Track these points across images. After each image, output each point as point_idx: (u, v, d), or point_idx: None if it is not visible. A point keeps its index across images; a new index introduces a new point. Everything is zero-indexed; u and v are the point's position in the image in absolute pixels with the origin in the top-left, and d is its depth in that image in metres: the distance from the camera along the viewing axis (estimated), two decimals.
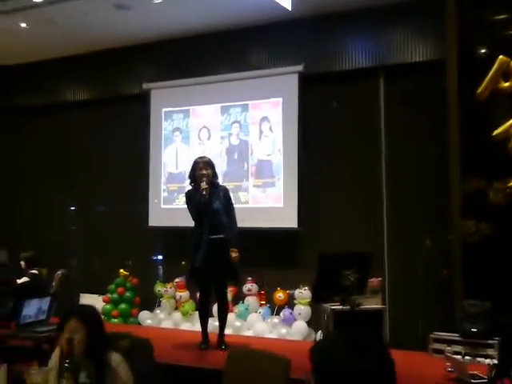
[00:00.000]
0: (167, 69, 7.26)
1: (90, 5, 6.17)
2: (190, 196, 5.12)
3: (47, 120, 8.09)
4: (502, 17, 4.93)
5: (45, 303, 4.54)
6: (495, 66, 4.65)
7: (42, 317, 4.52)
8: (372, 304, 4.06)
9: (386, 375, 1.59)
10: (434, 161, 5.90)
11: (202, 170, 4.98)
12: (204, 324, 5.25)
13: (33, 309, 4.41)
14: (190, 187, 5.29)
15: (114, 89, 7.60)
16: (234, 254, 4.97)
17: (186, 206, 6.94)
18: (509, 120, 4.63)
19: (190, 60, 7.05)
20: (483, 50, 4.78)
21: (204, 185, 4.89)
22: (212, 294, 5.28)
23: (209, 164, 5.08)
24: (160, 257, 7.49)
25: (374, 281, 4.21)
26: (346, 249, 5.70)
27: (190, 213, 5.10)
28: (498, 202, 4.82)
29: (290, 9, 5.64)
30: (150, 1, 6.08)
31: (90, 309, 3.11)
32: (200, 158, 5.22)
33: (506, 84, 4.64)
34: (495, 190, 4.78)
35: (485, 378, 3.90)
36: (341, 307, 4.00)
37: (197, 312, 6.85)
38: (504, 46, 4.78)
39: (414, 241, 6.03)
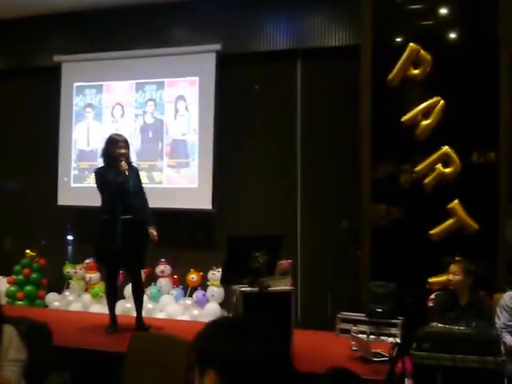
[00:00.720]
0: (81, 41, 6.96)
1: None
2: (102, 175, 4.84)
3: None
4: (415, 6, 5.04)
5: None
6: (405, 53, 4.76)
7: None
8: (281, 285, 4.07)
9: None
10: (349, 145, 5.98)
11: (121, 148, 4.75)
12: (112, 306, 5.07)
13: None
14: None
15: (24, 60, 7.20)
16: (155, 233, 4.80)
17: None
18: (417, 106, 4.75)
19: (106, 34, 6.78)
20: (397, 39, 4.87)
21: (125, 165, 4.67)
22: (119, 275, 5.13)
23: (127, 142, 4.88)
24: (69, 237, 7.23)
25: (283, 263, 4.23)
26: (260, 231, 5.74)
27: (102, 192, 4.85)
28: (407, 187, 4.98)
29: None
30: None
31: None
32: (117, 135, 4.98)
33: (416, 71, 4.76)
34: (405, 175, 4.91)
35: (387, 356, 4.03)
36: (249, 289, 3.99)
37: None
38: (416, 35, 4.90)
39: (326, 224, 6.12)
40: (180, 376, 2.86)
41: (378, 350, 4.18)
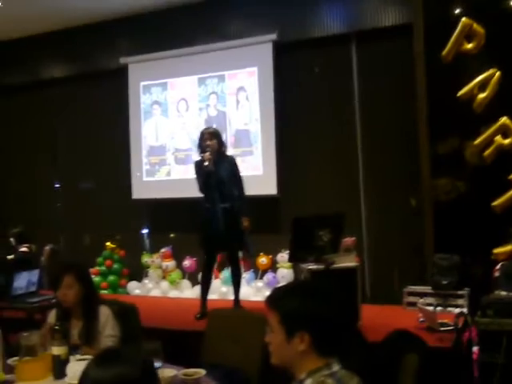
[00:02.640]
0: (143, 42, 7.32)
1: None
2: (197, 166, 5.21)
3: (26, 98, 8.14)
4: None
5: (34, 275, 4.72)
6: (458, 28, 4.80)
7: (33, 288, 4.71)
8: (346, 262, 4.26)
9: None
10: (407, 124, 6.05)
11: (206, 140, 5.07)
12: (205, 293, 5.29)
13: (23, 281, 4.59)
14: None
15: (92, 64, 7.65)
16: (246, 223, 5.08)
17: (168, 177, 7.19)
18: (473, 80, 4.79)
19: (166, 32, 7.11)
20: (449, 13, 4.91)
21: (207, 155, 4.98)
22: (215, 264, 5.41)
23: (214, 134, 5.15)
24: (145, 229, 7.66)
25: (347, 240, 4.41)
26: (324, 212, 5.92)
27: (198, 182, 5.18)
28: (473, 161, 5.03)
29: None
30: None
31: (82, 266, 3.38)
32: (206, 128, 5.35)
33: (470, 45, 4.79)
34: (464, 148, 4.97)
35: (453, 326, 4.15)
36: (316, 266, 4.21)
37: (184, 280, 7.13)
38: (468, 8, 4.92)
39: (389, 201, 6.22)
40: (257, 350, 3.07)
41: (445, 320, 4.32)
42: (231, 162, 5.20)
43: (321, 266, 4.17)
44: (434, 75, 5.00)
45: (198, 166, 5.21)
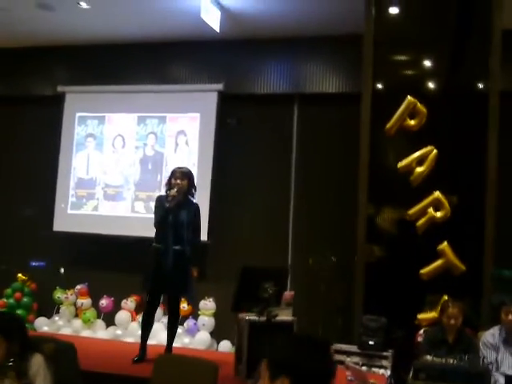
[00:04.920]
0: (85, 73, 7.23)
1: (11, 2, 6.06)
2: (157, 201, 5.07)
3: None
4: (410, 59, 5.49)
5: None
6: (403, 105, 5.15)
7: None
8: (285, 316, 4.33)
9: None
10: (340, 185, 6.34)
11: (177, 179, 4.94)
12: (144, 336, 5.06)
13: None
14: None
15: (27, 88, 7.42)
16: (195, 273, 4.96)
17: (94, 212, 6.99)
18: (412, 154, 5.14)
19: (110, 67, 7.07)
20: (395, 88, 5.28)
21: (173, 192, 4.88)
22: (158, 305, 5.21)
23: (185, 174, 5.02)
24: (61, 263, 7.33)
25: (287, 294, 4.49)
26: (252, 263, 5.98)
27: (155, 218, 5.03)
28: (386, 228, 5.35)
29: (218, 31, 5.88)
30: (76, 5, 6.09)
31: (10, 320, 3.12)
32: (178, 167, 5.17)
33: (412, 122, 5.15)
34: (398, 217, 5.26)
35: None
36: (257, 318, 4.23)
37: (98, 320, 6.87)
38: (410, 85, 5.32)
39: (317, 259, 6.40)
40: None
41: (372, 381, 4.45)
42: (195, 208, 5.09)
43: (261, 318, 4.20)
44: (377, 144, 5.30)
45: (159, 201, 5.07)
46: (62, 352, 3.30)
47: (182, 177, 4.99)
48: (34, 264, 7.29)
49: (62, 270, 7.18)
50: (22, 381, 2.52)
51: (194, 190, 5.14)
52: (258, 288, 4.02)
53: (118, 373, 4.35)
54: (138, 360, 4.83)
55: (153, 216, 5.10)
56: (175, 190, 4.89)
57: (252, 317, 4.32)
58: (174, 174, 5.05)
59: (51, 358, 3.06)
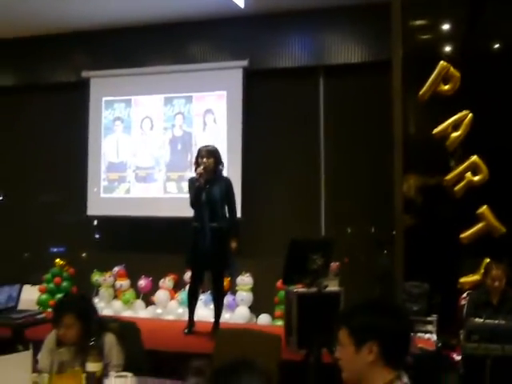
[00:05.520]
0: (109, 58, 7.21)
1: None
2: (190, 182, 5.25)
3: None
4: (439, 26, 5.45)
5: (14, 290, 4.50)
6: (436, 71, 5.14)
7: (12, 304, 4.48)
8: (333, 286, 4.39)
9: None
10: (371, 155, 6.35)
11: (203, 158, 5.09)
12: (191, 309, 5.35)
13: (3, 296, 4.36)
14: None
15: (51, 75, 7.44)
16: (234, 244, 5.11)
17: (127, 195, 7.07)
18: (447, 119, 5.13)
19: (134, 50, 7.06)
20: (427, 53, 5.26)
21: (199, 169, 4.99)
22: (202, 281, 5.40)
23: (211, 153, 5.16)
24: (97, 246, 7.45)
25: (333, 265, 4.55)
26: (286, 237, 6.04)
27: (190, 198, 5.19)
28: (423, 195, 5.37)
29: (242, 7, 5.84)
30: None
31: (83, 301, 3.21)
32: (204, 146, 5.32)
33: (446, 87, 5.14)
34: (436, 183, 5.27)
35: (429, 350, 4.37)
36: (305, 290, 4.30)
37: (138, 300, 6.99)
38: (445, 51, 5.29)
39: (351, 229, 6.46)
40: (273, 370, 3.09)
41: (420, 345, 4.52)
42: (226, 183, 5.25)
43: (309, 290, 4.27)
44: (410, 112, 5.30)
45: (191, 182, 5.26)
46: (126, 331, 3.39)
47: (208, 155, 5.12)
48: (53, 250, 7.42)
49: (84, 255, 7.29)
50: (102, 360, 2.60)
51: (221, 167, 5.25)
52: (307, 260, 4.06)
53: (176, 350, 4.44)
54: (188, 332, 5.03)
55: (185, 196, 5.22)
56: (201, 167, 4.99)
57: (299, 289, 4.39)
58: (199, 153, 5.21)
59: (118, 336, 3.16)
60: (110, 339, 3.00)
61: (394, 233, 5.59)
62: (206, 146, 5.30)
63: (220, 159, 5.22)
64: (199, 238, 5.03)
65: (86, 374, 2.56)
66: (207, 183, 5.03)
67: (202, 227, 5.03)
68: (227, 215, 5.19)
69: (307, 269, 4.11)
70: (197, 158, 5.19)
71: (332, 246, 4.39)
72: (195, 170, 5.18)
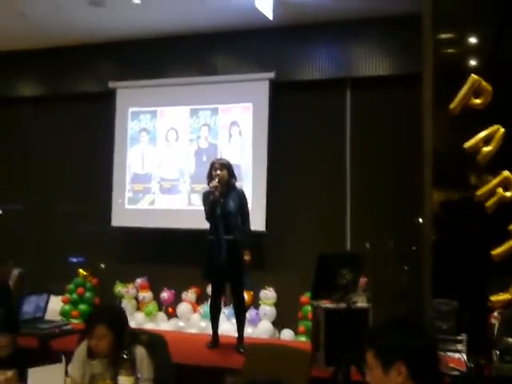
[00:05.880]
0: (135, 68, 7.25)
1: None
2: (204, 195, 5.26)
3: (4, 114, 7.83)
4: (470, 39, 5.37)
5: (42, 300, 4.49)
6: (467, 84, 5.04)
7: (39, 314, 4.47)
8: (362, 302, 4.31)
9: None
10: (398, 169, 6.27)
11: (216, 170, 5.12)
12: (215, 323, 5.34)
13: (31, 306, 4.35)
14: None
15: (79, 85, 7.49)
16: (247, 257, 5.09)
17: (151, 207, 7.06)
18: (478, 133, 5.04)
19: (161, 61, 7.09)
20: (458, 67, 5.18)
21: (214, 183, 5.00)
22: (223, 294, 5.42)
23: (224, 165, 5.20)
24: (121, 257, 7.43)
25: (361, 280, 4.48)
26: (311, 252, 5.97)
27: (205, 212, 5.20)
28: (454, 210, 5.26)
29: (271, 18, 5.83)
30: (127, 0, 6.10)
31: (116, 312, 3.18)
32: (217, 159, 5.42)
33: (477, 101, 5.05)
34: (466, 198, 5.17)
35: (461, 370, 4.25)
36: (334, 305, 4.23)
37: (160, 313, 6.95)
38: (476, 64, 5.21)
39: (376, 246, 6.36)
40: None
41: (451, 365, 4.40)
42: (240, 195, 5.26)
43: (340, 305, 4.19)
44: (441, 125, 5.21)
45: (205, 195, 5.24)
46: (154, 343, 3.34)
47: (221, 167, 5.16)
48: (73, 260, 7.42)
49: (103, 266, 7.28)
50: (135, 374, 2.56)
51: (234, 180, 5.25)
52: (336, 275, 4.00)
53: (200, 364, 4.39)
54: (212, 346, 5.00)
55: None
56: (216, 180, 4.99)
57: (327, 304, 4.32)
58: (213, 165, 5.25)
59: (147, 349, 3.11)
60: (140, 352, 2.96)
61: (413, 248, 5.47)
62: (219, 159, 5.39)
63: (233, 172, 5.27)
64: (215, 250, 5.02)
65: None
66: (221, 196, 5.03)
67: (218, 240, 5.03)
68: (240, 226, 5.17)
69: (336, 284, 4.04)
70: (210, 170, 5.20)
71: (362, 261, 4.32)
72: (208, 183, 5.18)
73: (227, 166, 5.21)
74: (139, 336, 3.21)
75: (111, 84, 7.27)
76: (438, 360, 1.97)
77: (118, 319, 3.01)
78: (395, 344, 1.84)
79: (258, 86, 6.73)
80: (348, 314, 4.20)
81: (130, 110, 7.23)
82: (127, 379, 2.51)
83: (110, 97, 7.29)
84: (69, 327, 4.57)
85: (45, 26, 6.67)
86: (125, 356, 2.55)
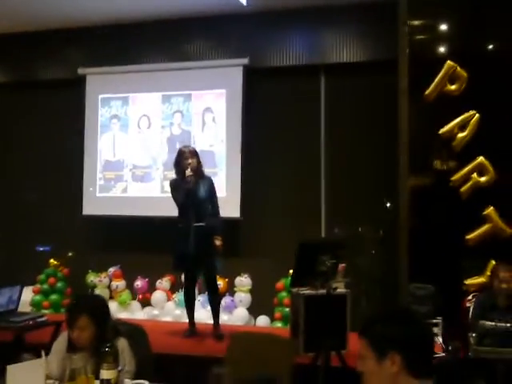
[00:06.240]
0: (106, 54, 7.07)
1: None
2: (175, 184, 5.16)
3: None
4: (445, 26, 5.39)
5: (15, 292, 4.37)
6: (443, 70, 5.08)
7: (12, 306, 4.35)
8: (341, 288, 4.32)
9: None
10: (373, 155, 6.29)
11: (187, 159, 5.05)
12: (190, 311, 5.33)
13: (3, 298, 4.22)
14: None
15: (47, 72, 7.29)
16: (218, 242, 5.05)
17: (123, 194, 6.93)
18: (453, 119, 5.08)
19: (132, 47, 6.94)
20: (433, 54, 5.20)
21: (189, 172, 4.93)
22: (197, 281, 5.40)
23: (194, 153, 5.15)
24: (93, 246, 7.30)
25: (341, 266, 4.49)
26: (285, 240, 5.98)
27: (175, 201, 5.13)
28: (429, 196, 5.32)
29: (245, 3, 5.75)
30: None
31: (98, 302, 3.09)
32: (184, 147, 5.30)
33: (452, 87, 5.09)
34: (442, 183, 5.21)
35: (437, 353, 4.31)
36: (313, 291, 4.22)
37: (134, 302, 6.87)
38: (452, 50, 5.24)
39: (350, 229, 6.37)
40: (287, 374, 3.01)
41: None
42: (209, 182, 5.23)
43: (317, 292, 4.19)
44: (416, 112, 5.23)
45: (175, 184, 5.18)
46: (135, 335, 3.28)
47: (192, 156, 5.09)
48: (40, 248, 7.27)
49: (70, 254, 7.15)
50: (117, 366, 2.49)
51: (201, 167, 5.27)
52: (316, 261, 3.98)
53: (177, 352, 4.34)
54: (189, 334, 4.98)
55: None
56: (189, 169, 4.94)
57: (306, 291, 4.31)
58: (183, 154, 5.17)
59: (129, 340, 3.05)
60: (122, 344, 2.89)
61: (382, 232, 5.51)
62: (186, 147, 5.31)
63: (200, 159, 5.24)
64: (185, 238, 4.98)
65: (100, 382, 2.45)
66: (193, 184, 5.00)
67: (188, 228, 4.98)
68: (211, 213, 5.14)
69: (316, 271, 4.03)
70: (179, 158, 5.12)
71: (343, 247, 4.33)
72: (176, 172, 5.12)
73: (196, 153, 5.19)
74: (120, 327, 3.14)
75: (80, 70, 7.09)
76: (433, 350, 1.97)
77: (100, 310, 2.93)
78: (389, 334, 1.83)
79: (232, 72, 6.65)
80: (327, 299, 4.19)
81: (101, 96, 7.07)
82: (110, 372, 2.43)
83: (79, 83, 7.12)
84: (44, 319, 4.45)
85: (12, 11, 6.45)
86: (107, 349, 2.47)
